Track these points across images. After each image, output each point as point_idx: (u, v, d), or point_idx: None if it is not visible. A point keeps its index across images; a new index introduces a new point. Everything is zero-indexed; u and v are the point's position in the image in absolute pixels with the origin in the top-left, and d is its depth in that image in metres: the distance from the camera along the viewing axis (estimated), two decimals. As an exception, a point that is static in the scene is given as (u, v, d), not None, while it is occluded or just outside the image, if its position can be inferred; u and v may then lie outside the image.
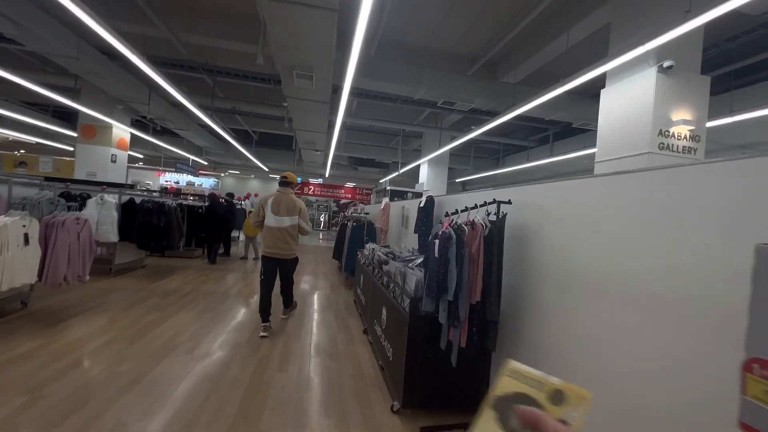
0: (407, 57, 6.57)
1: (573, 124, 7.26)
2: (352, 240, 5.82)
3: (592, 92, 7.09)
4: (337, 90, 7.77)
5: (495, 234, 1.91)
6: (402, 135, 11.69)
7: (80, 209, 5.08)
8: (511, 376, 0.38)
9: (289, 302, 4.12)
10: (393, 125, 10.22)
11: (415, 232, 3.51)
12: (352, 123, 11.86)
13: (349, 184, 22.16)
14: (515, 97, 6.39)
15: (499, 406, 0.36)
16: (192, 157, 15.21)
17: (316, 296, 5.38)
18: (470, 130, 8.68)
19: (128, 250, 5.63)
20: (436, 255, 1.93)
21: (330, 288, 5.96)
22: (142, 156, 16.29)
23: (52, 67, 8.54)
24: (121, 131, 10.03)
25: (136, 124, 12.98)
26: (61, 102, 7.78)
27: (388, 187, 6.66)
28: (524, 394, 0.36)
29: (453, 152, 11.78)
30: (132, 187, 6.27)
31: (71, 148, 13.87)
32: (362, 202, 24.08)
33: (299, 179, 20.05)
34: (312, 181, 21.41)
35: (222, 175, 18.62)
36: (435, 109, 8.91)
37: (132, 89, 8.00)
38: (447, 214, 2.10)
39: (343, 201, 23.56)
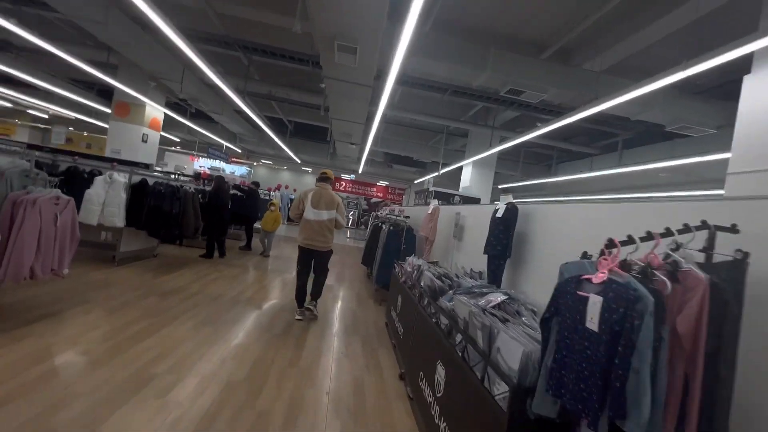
0: (465, 39, 5.56)
1: (666, 127, 5.93)
2: (387, 247, 4.90)
3: (702, 88, 5.75)
4: (380, 76, 6.91)
5: (726, 294, 0.90)
6: (446, 132, 10.64)
7: (88, 187, 4.51)
8: None
9: (318, 293, 4.05)
10: (437, 121, 9.20)
11: (485, 253, 2.52)
12: (392, 116, 10.96)
13: (382, 183, 21.32)
14: (598, 88, 5.20)
15: None
16: (226, 144, 14.92)
17: (338, 311, 4.50)
18: (524, 131, 7.52)
19: (137, 237, 5.02)
20: (595, 330, 0.95)
21: (357, 301, 5.07)
22: (178, 140, 16.26)
23: (91, 40, 8.25)
24: (155, 111, 9.69)
25: (172, 106, 12.82)
26: (96, 76, 7.45)
27: (432, 188, 5.69)
28: None
29: (499, 155, 10.58)
30: (147, 166, 5.65)
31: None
32: (394, 202, 23.19)
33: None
34: (344, 176, 20.78)
35: (254, 164, 18.36)
36: (489, 103, 7.81)
37: (165, 65, 7.50)
38: (607, 247, 1.10)
39: (374, 199, 22.78)
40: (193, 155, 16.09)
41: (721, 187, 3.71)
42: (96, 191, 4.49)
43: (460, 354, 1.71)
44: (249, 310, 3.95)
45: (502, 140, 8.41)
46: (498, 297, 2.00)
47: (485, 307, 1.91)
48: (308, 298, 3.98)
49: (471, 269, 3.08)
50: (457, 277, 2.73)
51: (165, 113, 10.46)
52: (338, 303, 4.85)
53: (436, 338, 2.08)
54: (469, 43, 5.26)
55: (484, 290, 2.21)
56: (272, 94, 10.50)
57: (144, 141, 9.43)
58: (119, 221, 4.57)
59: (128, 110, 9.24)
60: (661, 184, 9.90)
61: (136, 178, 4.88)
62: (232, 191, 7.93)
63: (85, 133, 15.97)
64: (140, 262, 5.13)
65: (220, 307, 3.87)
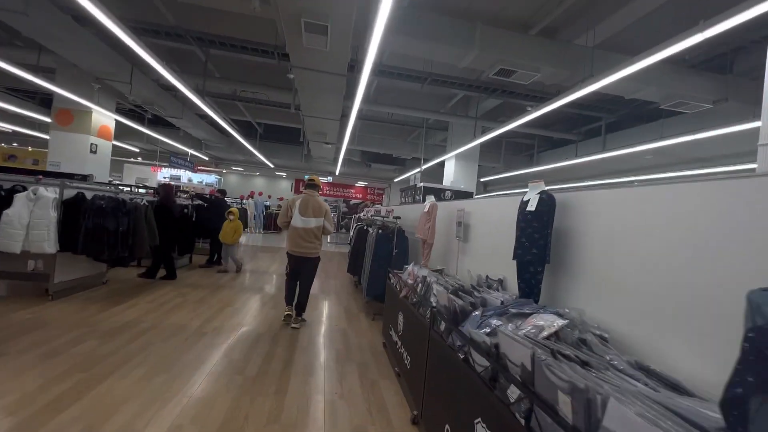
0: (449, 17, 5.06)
1: (661, 104, 5.64)
2: (377, 254, 4.30)
3: (695, 61, 5.47)
4: (355, 66, 6.30)
5: None
6: (425, 126, 10.16)
7: (6, 206, 3.67)
8: None
9: (301, 309, 3.97)
10: (417, 114, 8.68)
11: (515, 258, 1.97)
12: (368, 112, 10.39)
13: (360, 183, 20.69)
14: (593, 64, 4.81)
15: None
16: (191, 151, 13.87)
17: (326, 332, 3.86)
18: (506, 121, 7.13)
19: (77, 263, 4.18)
20: None
21: (346, 317, 4.44)
22: (138, 150, 15.01)
23: (19, 39, 7.20)
24: (104, 117, 8.67)
25: (126, 113, 11.71)
26: (35, 83, 6.48)
27: (421, 184, 5.16)
28: None
29: (480, 148, 10.16)
30: (85, 178, 4.79)
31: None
32: (374, 203, 22.60)
33: (306, 176, 18.62)
34: (321, 179, 19.98)
35: (224, 171, 17.28)
36: (471, 91, 7.36)
37: (108, 63, 6.58)
38: None
39: (353, 201, 22.10)
40: (155, 166, 14.88)
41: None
42: (17, 211, 3.65)
43: (523, 420, 1.13)
44: (216, 344, 3.25)
45: (484, 131, 7.99)
46: (552, 321, 1.44)
47: (536, 337, 1.35)
48: (293, 314, 3.92)
49: (487, 276, 2.53)
50: (478, 289, 2.17)
51: (118, 120, 9.44)
52: (325, 322, 4.20)
53: (468, 384, 1.50)
54: (455, 18, 4.74)
55: (525, 310, 1.65)
56: (237, 94, 9.69)
57: (93, 152, 8.40)
58: (49, 246, 3.74)
59: (71, 118, 8.19)
60: (647, 167, 9.80)
61: (71, 193, 4.05)
62: (196, 202, 7.10)
63: (30, 148, 14.44)
64: (84, 293, 4.29)
65: (179, 344, 3.15)
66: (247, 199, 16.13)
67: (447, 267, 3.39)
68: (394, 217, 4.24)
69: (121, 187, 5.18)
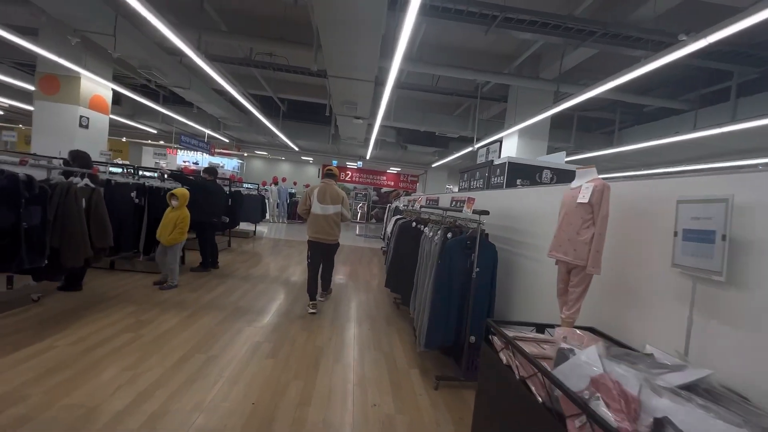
0: None
1: None
2: (445, 275, 2.46)
3: None
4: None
5: None
6: (479, 94, 8.08)
7: None
8: None
9: (327, 285, 4.34)
10: (472, 76, 6.67)
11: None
12: (409, 79, 8.45)
13: (393, 169, 18.83)
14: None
15: None
16: (208, 132, 12.57)
17: (359, 417, 2.11)
18: (592, 84, 4.98)
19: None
20: None
21: (389, 379, 2.66)
22: (156, 131, 13.94)
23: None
24: (97, 86, 7.32)
25: (141, 90, 10.49)
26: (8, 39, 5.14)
27: (503, 158, 3.19)
28: None
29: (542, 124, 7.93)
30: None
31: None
32: (406, 191, 20.69)
33: (335, 162, 17.02)
34: (349, 165, 18.33)
35: (245, 155, 15.99)
36: (558, 35, 5.24)
37: (86, 10, 5.07)
38: None
39: (384, 189, 20.32)
40: (171, 148, 13.76)
41: None
42: None
43: None
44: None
45: (559, 99, 5.87)
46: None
47: None
48: (319, 290, 4.10)
49: None
50: None
51: (130, 98, 8.20)
52: (353, 391, 2.44)
53: None
54: None
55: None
56: (252, 57, 8.07)
57: (83, 126, 7.09)
58: None
59: (57, 85, 6.89)
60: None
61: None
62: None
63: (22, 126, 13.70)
64: (-10, 321, 2.79)
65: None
66: (271, 185, 14.77)
67: (618, 329, 1.51)
68: (476, 212, 2.38)
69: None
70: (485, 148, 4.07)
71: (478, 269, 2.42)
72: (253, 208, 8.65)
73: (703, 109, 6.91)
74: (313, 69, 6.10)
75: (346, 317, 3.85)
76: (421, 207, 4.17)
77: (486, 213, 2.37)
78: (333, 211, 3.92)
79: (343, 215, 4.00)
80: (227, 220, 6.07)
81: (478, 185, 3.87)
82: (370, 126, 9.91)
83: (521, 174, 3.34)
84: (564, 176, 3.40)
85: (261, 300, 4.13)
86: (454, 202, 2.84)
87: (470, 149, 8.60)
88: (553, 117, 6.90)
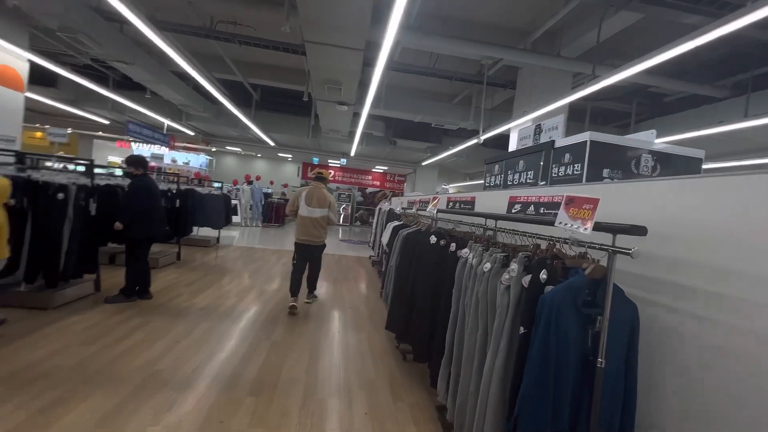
0: None
1: None
2: (535, 360, 1.15)
3: None
4: None
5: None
6: (485, 76, 6.86)
7: None
8: None
9: (313, 287, 4.38)
10: (481, 50, 5.46)
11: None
12: (403, 58, 7.15)
13: (379, 169, 17.51)
14: None
15: None
16: (167, 122, 10.88)
17: None
18: (618, 64, 3.89)
19: None
20: None
21: None
22: (107, 121, 12.09)
23: None
24: (4, 54, 5.67)
25: (85, 71, 8.77)
26: None
27: (584, 135, 2.03)
28: None
29: (554, 115, 6.83)
30: None
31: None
32: (394, 192, 19.40)
33: (315, 159, 15.53)
34: (332, 162, 16.88)
35: (213, 149, 14.26)
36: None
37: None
38: None
39: (370, 189, 18.99)
40: (122, 141, 11.97)
41: None
42: None
43: None
44: None
45: (582, 82, 4.74)
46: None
47: None
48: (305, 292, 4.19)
49: None
50: None
51: (75, 82, 6.60)
52: None
53: None
54: None
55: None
56: (213, 26, 6.57)
57: (-17, 105, 5.44)
58: None
59: (-58, 49, 5.22)
60: None
61: None
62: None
63: None
64: None
65: None
66: (243, 184, 13.17)
67: None
68: (605, 228, 1.11)
69: None
70: (532, 127, 2.79)
71: (602, 359, 1.12)
72: (215, 210, 7.13)
73: (757, 93, 5.87)
74: (285, 30, 4.69)
75: (328, 384, 2.48)
76: (438, 212, 2.84)
77: (640, 232, 1.07)
78: (320, 215, 4.02)
79: (330, 219, 4.12)
80: (166, 228, 4.58)
81: (523, 180, 2.60)
82: (356, 116, 8.56)
83: (607, 160, 2.09)
84: (670, 163, 2.17)
85: (196, 357, 2.70)
86: (532, 207, 1.55)
87: (475, 141, 7.37)
88: (555, 111, 5.77)
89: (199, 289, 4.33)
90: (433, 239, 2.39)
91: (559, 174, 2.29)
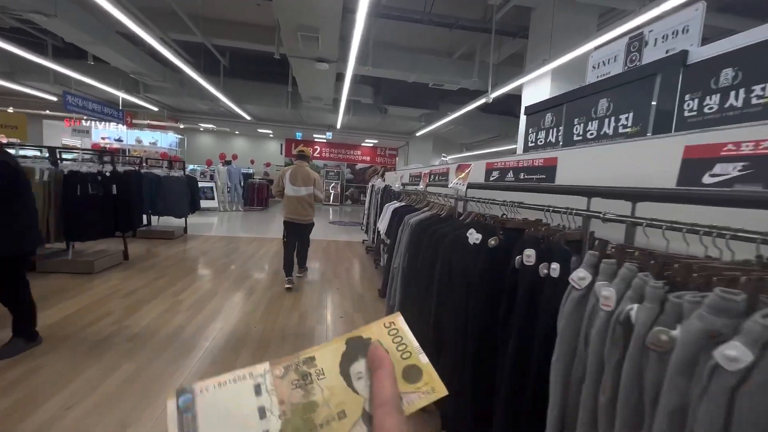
0: None
1: None
2: None
3: None
4: None
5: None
6: (494, 24, 5.65)
7: None
8: (388, 328, 0.32)
9: (303, 263, 4.45)
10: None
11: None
12: (390, 4, 5.88)
13: (369, 142, 16.24)
14: None
15: (354, 344, 0.31)
16: (122, 95, 9.41)
17: None
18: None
19: None
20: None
21: None
22: (55, 97, 10.52)
23: None
24: None
25: (15, 35, 7.26)
26: None
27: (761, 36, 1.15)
28: (385, 348, 0.30)
29: (554, 71, 5.58)
30: None
31: None
32: (384, 167, 18.22)
33: (298, 134, 14.18)
34: (317, 138, 15.55)
35: (181, 125, 12.77)
36: None
37: None
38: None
39: (359, 166, 17.77)
40: (71, 118, 10.49)
41: None
42: None
43: None
44: None
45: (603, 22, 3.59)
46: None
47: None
48: (296, 268, 4.26)
49: None
50: None
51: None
52: None
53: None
54: None
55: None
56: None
57: None
58: None
59: None
60: None
61: None
62: None
63: None
64: None
65: None
66: (220, 165, 11.89)
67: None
68: None
69: None
70: (622, 42, 1.70)
71: None
72: (176, 196, 5.97)
73: None
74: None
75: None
76: (466, 186, 1.80)
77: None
78: (305, 193, 4.02)
79: (316, 196, 4.12)
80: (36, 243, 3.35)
81: (608, 130, 1.56)
82: (340, 81, 7.30)
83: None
84: None
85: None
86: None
87: (483, 100, 6.22)
88: (579, 60, 4.64)
89: (139, 302, 3.27)
90: (473, 237, 1.35)
91: (707, 110, 1.25)
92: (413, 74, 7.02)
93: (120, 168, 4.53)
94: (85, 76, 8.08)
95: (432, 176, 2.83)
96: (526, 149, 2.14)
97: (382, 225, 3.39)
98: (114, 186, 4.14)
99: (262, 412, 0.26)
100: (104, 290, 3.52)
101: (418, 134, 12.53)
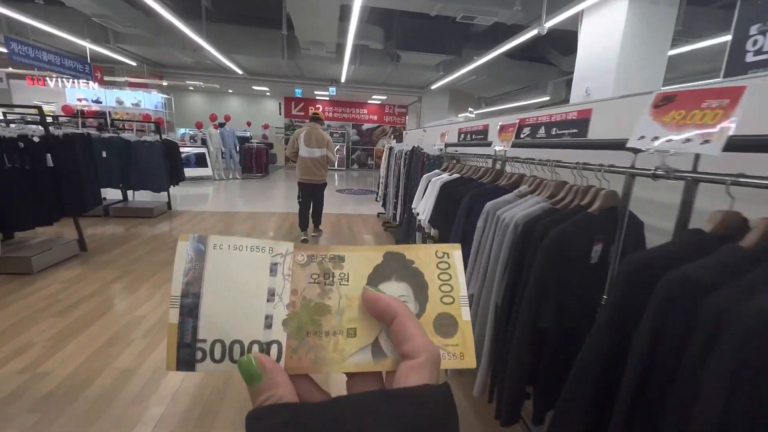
0: None
1: None
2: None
3: None
4: None
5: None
6: None
7: None
8: (440, 259, 0.26)
9: (318, 222, 4.60)
10: None
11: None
12: None
13: (376, 99, 14.66)
14: None
15: (392, 259, 0.26)
16: (89, 45, 8.00)
17: None
18: None
19: None
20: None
21: None
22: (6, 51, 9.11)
23: None
24: None
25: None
26: None
27: None
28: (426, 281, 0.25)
29: None
30: None
31: None
32: (393, 126, 16.70)
33: (298, 91, 12.68)
34: (319, 95, 14.02)
35: (164, 83, 11.30)
36: None
37: None
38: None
39: (366, 126, 16.30)
40: (32, 78, 9.17)
41: None
42: None
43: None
44: None
45: None
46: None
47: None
48: (311, 227, 4.55)
49: None
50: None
51: None
52: None
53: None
54: None
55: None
56: None
57: None
58: None
59: None
60: None
61: None
62: None
63: None
64: None
65: None
66: (212, 127, 10.63)
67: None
68: None
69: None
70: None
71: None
72: (149, 167, 4.87)
73: None
74: None
75: None
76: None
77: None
78: (319, 155, 4.12)
79: (328, 158, 4.22)
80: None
81: None
82: (345, 18, 5.86)
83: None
84: None
85: None
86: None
87: (535, 32, 4.80)
88: None
89: (77, 325, 2.30)
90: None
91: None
92: (438, 3, 5.54)
93: (59, 132, 3.38)
94: (41, 22, 6.69)
95: (512, 132, 1.68)
96: (750, 70, 1.00)
97: (423, 206, 2.31)
98: (49, 156, 3.04)
99: (271, 295, 0.23)
100: (36, 302, 2.55)
101: (433, 87, 11.00)
